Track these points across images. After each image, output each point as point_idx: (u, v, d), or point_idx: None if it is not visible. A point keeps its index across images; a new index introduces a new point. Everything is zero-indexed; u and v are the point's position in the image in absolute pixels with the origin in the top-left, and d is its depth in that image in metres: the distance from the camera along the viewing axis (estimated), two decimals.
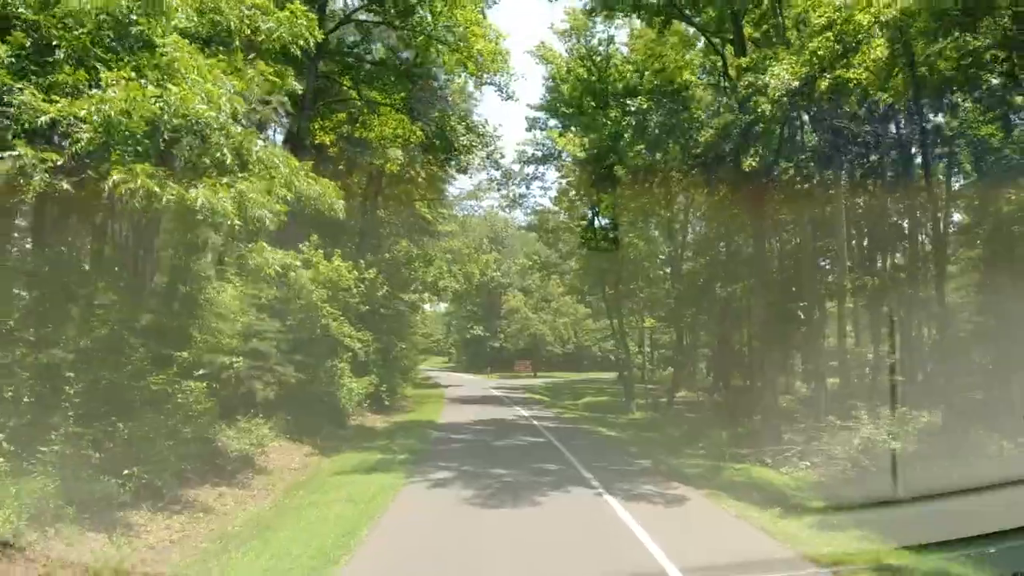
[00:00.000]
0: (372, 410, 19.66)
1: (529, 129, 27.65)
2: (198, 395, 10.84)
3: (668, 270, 33.93)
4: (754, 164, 13.67)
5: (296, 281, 10.15)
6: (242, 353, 12.64)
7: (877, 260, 24.17)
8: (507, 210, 28.26)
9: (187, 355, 11.82)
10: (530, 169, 27.41)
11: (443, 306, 65.94)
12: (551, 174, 29.81)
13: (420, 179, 21.43)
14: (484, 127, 16.50)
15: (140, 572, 6.06)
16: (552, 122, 27.79)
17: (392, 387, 21.09)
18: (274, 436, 12.85)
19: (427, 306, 46.64)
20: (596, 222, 30.60)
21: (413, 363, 30.80)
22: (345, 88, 17.95)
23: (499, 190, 18.19)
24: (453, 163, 16.80)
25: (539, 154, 27.29)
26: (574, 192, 28.88)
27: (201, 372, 11.93)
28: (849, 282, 21.87)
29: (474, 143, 16.03)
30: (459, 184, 35.68)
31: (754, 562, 6.31)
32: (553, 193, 29.73)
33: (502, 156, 18.22)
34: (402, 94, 17.12)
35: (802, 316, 21.09)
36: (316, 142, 18.22)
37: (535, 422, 18.22)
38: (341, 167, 18.81)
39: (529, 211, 29.23)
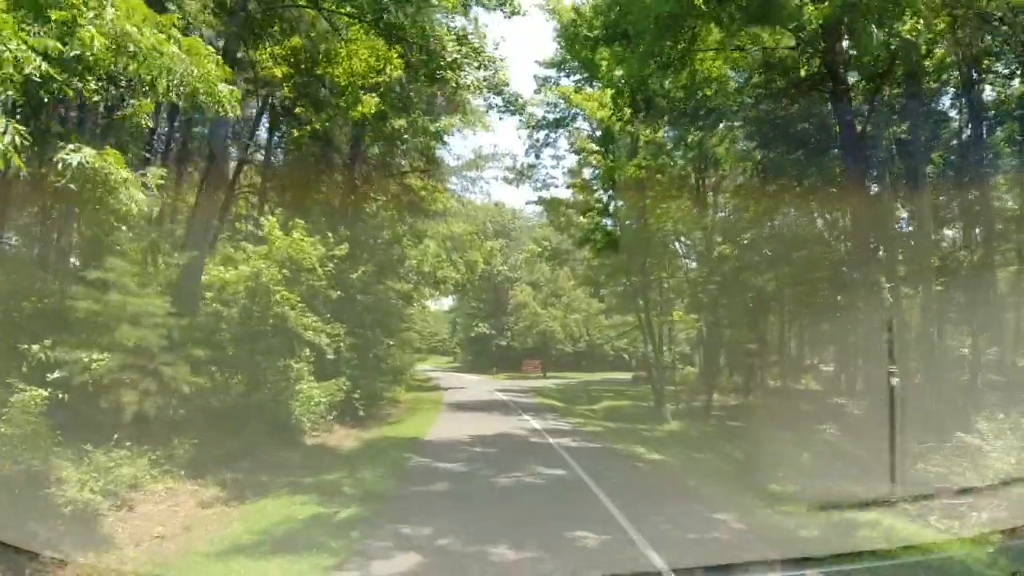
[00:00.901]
0: (344, 422, 15.07)
1: (539, 90, 23.13)
2: (28, 411, 6.56)
3: (698, 252, 29.29)
4: (919, 27, 8.98)
5: (135, 211, 5.60)
6: (110, 347, 8.13)
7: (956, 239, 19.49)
8: (515, 183, 23.58)
9: (38, 348, 7.55)
10: (540, 135, 22.79)
11: (447, 302, 61.70)
12: (562, 142, 24.66)
13: (405, 135, 16.80)
14: (480, 39, 11.90)
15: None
16: (564, 81, 23.27)
17: (372, 392, 16.48)
18: (159, 473, 8.29)
19: (429, 302, 42.15)
20: (614, 204, 26.10)
21: (407, 363, 26.19)
22: (302, 5, 13.40)
23: (500, 118, 13.55)
24: (441, 91, 12.17)
25: (550, 117, 22.71)
26: (594, 163, 24.16)
27: (56, 375, 7.65)
28: (937, 259, 17.17)
29: (467, 58, 11.44)
30: (457, 150, 30.86)
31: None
32: (567, 162, 24.92)
33: (507, 84, 13.73)
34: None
35: (889, 299, 16.37)
36: (264, 75, 13.71)
37: (551, 439, 13.54)
38: (299, 109, 14.23)
39: (539, 184, 24.47)
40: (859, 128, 12.11)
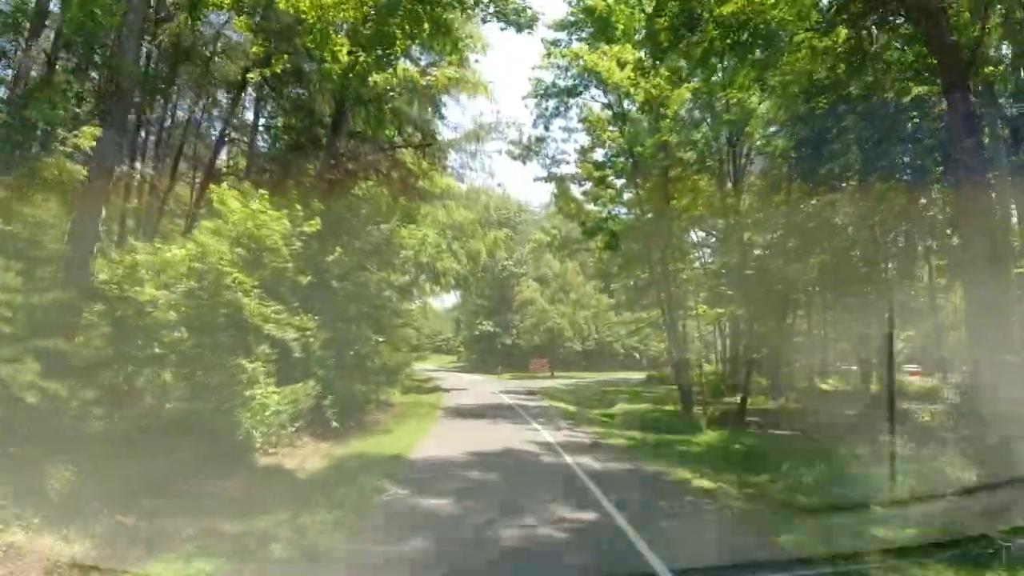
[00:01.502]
0: (316, 434, 12.29)
1: (548, 54, 20.29)
2: None
3: (724, 239, 26.45)
4: None
5: None
6: None
7: None
8: (521, 159, 20.72)
9: None
10: (549, 104, 19.91)
11: (451, 299, 59.07)
12: (575, 112, 21.70)
13: (392, 93, 13.99)
14: None
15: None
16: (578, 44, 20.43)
17: (352, 397, 13.69)
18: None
19: (431, 299, 39.34)
20: (632, 188, 23.26)
21: (403, 362, 23.36)
22: None
23: (502, 28, 10.59)
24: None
25: (560, 83, 19.86)
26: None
27: None
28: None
29: None
30: (453, 118, 27.72)
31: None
32: (579, 137, 21.95)
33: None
34: None
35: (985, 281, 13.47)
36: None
37: (568, 457, 10.68)
38: (256, 49, 11.44)
39: (549, 161, 21.49)
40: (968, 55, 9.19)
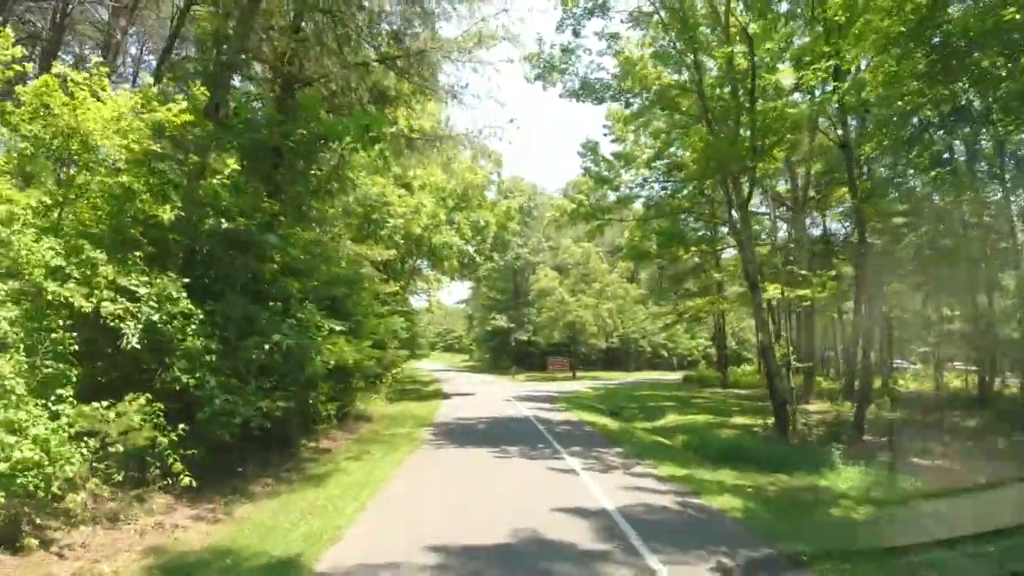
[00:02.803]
0: (175, 492, 6.51)
1: None
2: None
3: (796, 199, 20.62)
4: None
5: None
6: None
7: None
8: (541, 79, 14.63)
9: None
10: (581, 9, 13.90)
11: (461, 292, 53.46)
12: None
13: None
14: None
15: None
16: None
17: (254, 420, 7.84)
18: None
19: (439, 293, 33.70)
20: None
21: (384, 362, 17.61)
22: None
23: None
24: None
25: None
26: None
27: None
28: None
29: None
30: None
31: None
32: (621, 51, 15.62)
33: None
34: None
35: None
36: None
37: (657, 564, 4.85)
38: None
39: (579, 80, 15.21)
40: None
